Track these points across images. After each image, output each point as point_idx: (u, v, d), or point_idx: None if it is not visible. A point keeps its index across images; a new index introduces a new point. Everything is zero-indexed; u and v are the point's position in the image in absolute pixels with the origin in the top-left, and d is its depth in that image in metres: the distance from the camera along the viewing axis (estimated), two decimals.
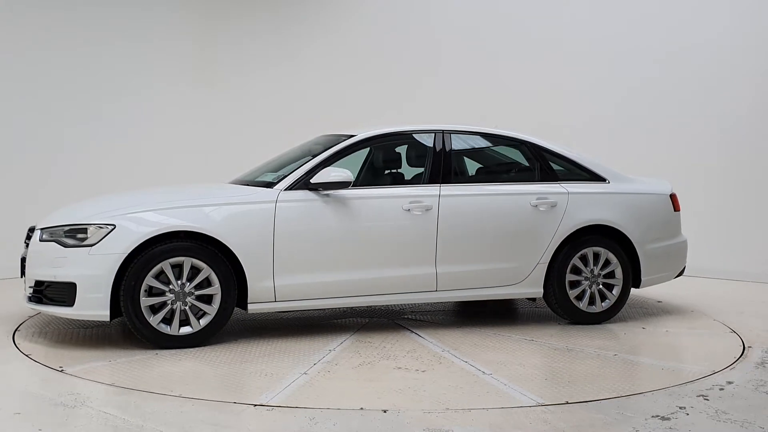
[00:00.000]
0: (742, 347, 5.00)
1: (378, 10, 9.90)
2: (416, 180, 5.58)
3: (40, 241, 4.80)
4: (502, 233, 5.50)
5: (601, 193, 5.80)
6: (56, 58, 8.16)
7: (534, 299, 5.97)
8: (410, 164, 5.75)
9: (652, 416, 3.55)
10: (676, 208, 6.14)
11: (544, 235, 5.56)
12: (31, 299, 4.87)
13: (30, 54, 7.95)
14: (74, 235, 4.70)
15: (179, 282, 4.70)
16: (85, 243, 4.64)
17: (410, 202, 5.26)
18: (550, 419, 3.51)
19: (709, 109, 8.18)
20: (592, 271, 5.66)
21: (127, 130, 8.74)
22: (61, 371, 4.23)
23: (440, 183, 5.44)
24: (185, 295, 4.72)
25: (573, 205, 5.64)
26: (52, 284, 4.72)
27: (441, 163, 5.50)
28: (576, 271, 5.63)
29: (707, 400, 3.83)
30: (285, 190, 5.06)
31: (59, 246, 4.69)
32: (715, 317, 5.98)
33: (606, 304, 5.71)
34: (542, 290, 5.61)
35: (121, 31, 8.68)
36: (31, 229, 5.11)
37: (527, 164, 5.87)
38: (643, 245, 5.81)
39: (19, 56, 7.88)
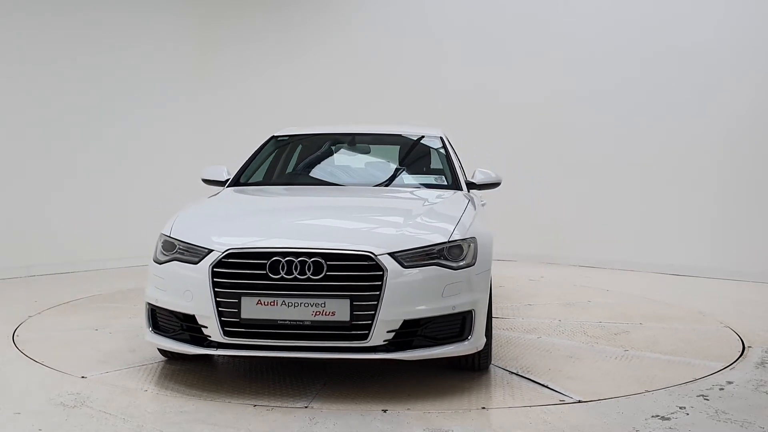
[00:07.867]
0: (742, 347, 5.00)
1: (376, 11, 9.91)
2: None
3: (405, 268, 3.71)
4: None
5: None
6: (56, 61, 8.16)
7: None
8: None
9: (652, 416, 3.55)
10: None
11: None
12: (381, 349, 3.68)
13: (30, 57, 7.95)
14: (453, 254, 3.87)
15: None
16: (465, 263, 3.88)
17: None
18: (550, 419, 3.51)
19: (708, 109, 8.17)
20: None
21: (127, 133, 8.75)
22: (62, 371, 4.22)
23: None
24: None
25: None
26: (436, 319, 3.74)
27: (457, 162, 5.76)
28: None
29: (707, 400, 3.83)
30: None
31: (448, 270, 3.80)
32: (715, 317, 5.98)
33: None
34: None
35: (123, 37, 8.70)
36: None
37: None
38: None
39: (19, 61, 7.88)
